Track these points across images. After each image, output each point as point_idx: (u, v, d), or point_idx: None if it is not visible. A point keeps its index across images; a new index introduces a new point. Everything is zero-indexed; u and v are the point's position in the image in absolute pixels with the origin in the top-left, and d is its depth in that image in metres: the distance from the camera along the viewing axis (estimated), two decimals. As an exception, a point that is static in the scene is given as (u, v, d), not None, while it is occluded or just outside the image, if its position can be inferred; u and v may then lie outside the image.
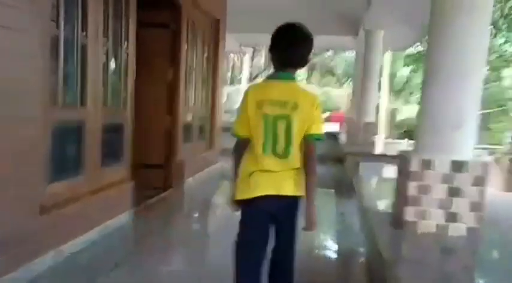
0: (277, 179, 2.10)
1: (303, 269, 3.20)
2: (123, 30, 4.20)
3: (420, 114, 3.22)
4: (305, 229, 2.13)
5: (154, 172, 5.71)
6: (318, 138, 2.11)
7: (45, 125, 3.02)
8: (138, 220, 4.48)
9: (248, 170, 2.13)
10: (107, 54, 3.93)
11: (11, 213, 2.71)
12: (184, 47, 5.81)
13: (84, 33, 3.50)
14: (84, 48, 3.52)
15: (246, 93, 2.18)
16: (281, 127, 2.07)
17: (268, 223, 2.16)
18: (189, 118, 6.48)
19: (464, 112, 2.98)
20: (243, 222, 2.20)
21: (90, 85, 3.61)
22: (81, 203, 3.53)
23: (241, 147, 2.21)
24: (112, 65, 4.12)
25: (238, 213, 2.22)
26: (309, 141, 2.11)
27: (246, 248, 2.17)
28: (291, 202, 2.13)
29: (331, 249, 4.10)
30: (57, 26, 3.19)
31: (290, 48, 2.11)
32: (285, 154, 2.09)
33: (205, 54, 6.98)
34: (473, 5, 2.94)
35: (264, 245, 2.17)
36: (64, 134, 3.49)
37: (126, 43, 4.28)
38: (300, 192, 2.13)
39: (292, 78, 2.17)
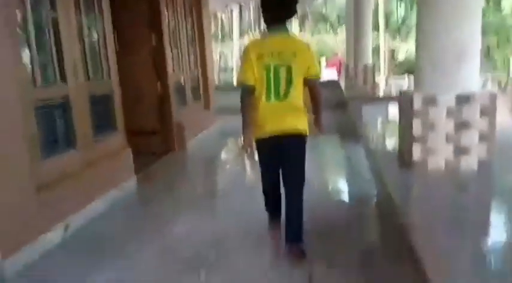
0: (282, 118, 2.49)
1: (316, 214, 3.19)
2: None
3: (418, 49, 3.01)
4: (317, 134, 2.64)
5: (152, 138, 5.65)
6: (317, 76, 2.53)
7: (27, 105, 2.93)
8: (143, 186, 4.42)
9: (256, 114, 2.52)
10: (80, 25, 3.70)
11: (7, 194, 2.66)
12: (164, 10, 5.56)
13: (53, 6, 3.29)
14: (55, 22, 3.32)
15: (247, 48, 2.50)
16: (282, 74, 2.43)
17: (276, 155, 2.57)
18: (180, 81, 6.30)
19: (465, 43, 2.77)
20: (259, 155, 2.70)
21: (68, 59, 3.44)
22: (80, 175, 3.47)
23: (249, 94, 2.50)
24: (88, 36, 3.90)
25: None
26: (311, 81, 2.51)
27: (266, 172, 2.73)
28: (294, 137, 2.51)
29: (342, 193, 4.03)
30: (23, 2, 2.99)
31: (280, 6, 2.45)
32: (285, 95, 2.46)
33: (189, 15, 6.69)
34: None
35: (276, 167, 2.62)
36: (50, 112, 3.37)
37: (100, 13, 4.04)
38: (302, 128, 2.52)
39: (286, 31, 2.53)
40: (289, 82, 2.44)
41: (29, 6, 3.04)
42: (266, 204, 2.94)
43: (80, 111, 3.60)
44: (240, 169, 5.37)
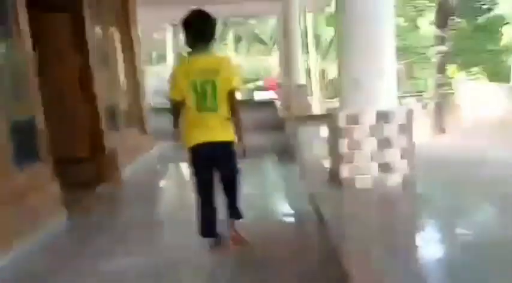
0: (210, 129, 2.85)
1: (256, 235, 3.19)
2: (9, 17, 3.73)
3: (340, 69, 3.17)
4: (240, 154, 2.94)
5: (83, 166, 5.33)
6: (237, 89, 2.88)
7: None
8: (74, 223, 4.14)
9: (188, 125, 2.92)
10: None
11: None
12: (90, 29, 5.37)
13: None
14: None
15: (174, 69, 3.10)
16: (208, 89, 2.80)
17: (209, 162, 2.92)
18: (111, 104, 6.10)
19: (383, 62, 2.96)
20: (193, 163, 2.98)
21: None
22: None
23: (176, 107, 2.95)
24: (5, 58, 3.67)
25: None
26: (231, 93, 2.84)
27: (198, 182, 2.98)
28: (223, 145, 2.88)
29: (277, 212, 4.08)
30: None
31: (199, 32, 2.85)
32: (214, 109, 2.83)
33: (118, 34, 6.54)
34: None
35: (210, 178, 2.96)
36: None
37: (17, 32, 3.81)
38: (229, 139, 2.89)
39: (208, 51, 2.90)
40: (214, 96, 2.80)
41: None
42: (202, 228, 3.03)
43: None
44: (178, 198, 5.25)
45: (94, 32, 5.59)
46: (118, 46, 6.54)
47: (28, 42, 3.95)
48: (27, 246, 3.42)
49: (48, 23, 4.94)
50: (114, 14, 6.41)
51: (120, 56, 6.56)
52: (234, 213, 3.04)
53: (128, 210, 4.76)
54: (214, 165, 2.94)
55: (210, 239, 3.04)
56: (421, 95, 14.52)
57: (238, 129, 2.91)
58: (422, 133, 9.95)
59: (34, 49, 4.07)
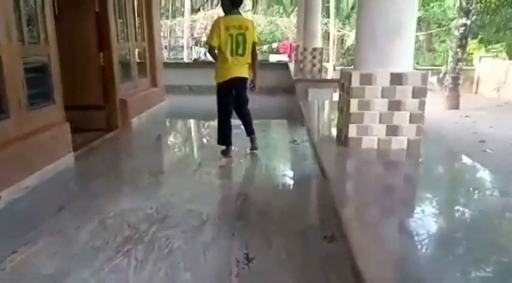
0: (239, 68, 4.21)
1: (263, 197, 3.31)
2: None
3: (358, 28, 3.10)
4: (252, 86, 4.40)
5: (95, 113, 5.43)
6: (256, 42, 4.30)
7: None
8: (81, 163, 4.28)
9: (222, 65, 4.19)
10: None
11: None
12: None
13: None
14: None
15: (218, 21, 4.15)
16: (240, 40, 4.11)
17: (232, 90, 4.31)
18: (125, 54, 6.10)
19: (401, 23, 2.89)
20: (221, 91, 4.29)
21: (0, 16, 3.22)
22: (12, 147, 3.31)
23: (213, 50, 4.19)
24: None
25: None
26: (253, 45, 4.24)
27: (224, 104, 4.31)
28: (245, 80, 4.30)
29: (286, 175, 4.16)
30: None
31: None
32: (242, 54, 4.18)
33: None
34: None
35: (231, 100, 4.34)
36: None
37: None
38: (248, 75, 4.31)
39: (240, 13, 4.26)
40: (244, 45, 4.14)
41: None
42: (221, 138, 4.41)
43: (12, 77, 3.39)
44: (184, 150, 5.34)
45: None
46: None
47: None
48: (37, 181, 3.56)
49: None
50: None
51: (137, 7, 6.48)
52: (251, 130, 4.50)
53: (134, 156, 4.88)
54: (236, 92, 4.30)
55: (224, 147, 4.41)
56: (439, 69, 14.16)
57: (255, 70, 4.33)
58: (436, 106, 9.82)
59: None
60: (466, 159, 3.14)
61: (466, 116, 9.36)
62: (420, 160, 3.08)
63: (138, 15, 6.56)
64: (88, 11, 5.18)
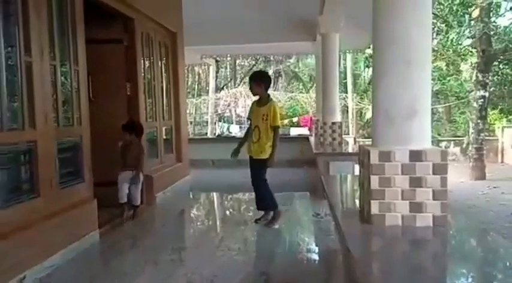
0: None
1: (285, 266, 3.23)
2: (71, 47, 4.09)
3: (374, 106, 3.23)
4: (270, 164, 4.62)
5: (120, 190, 5.54)
6: (278, 126, 4.66)
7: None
8: (106, 239, 4.32)
9: (273, 144, 4.62)
10: (54, 73, 3.80)
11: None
12: (140, 60, 5.74)
13: (28, 52, 3.38)
14: (29, 68, 3.40)
15: (253, 103, 4.84)
16: (262, 124, 4.62)
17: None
18: (153, 131, 6.38)
19: (417, 101, 3.00)
20: (265, 165, 4.67)
21: (38, 105, 3.50)
22: (40, 226, 3.40)
23: (250, 128, 4.80)
24: (62, 84, 3.99)
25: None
26: (274, 129, 4.61)
27: (265, 175, 4.74)
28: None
29: (310, 250, 4.10)
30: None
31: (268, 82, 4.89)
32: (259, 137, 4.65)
33: (164, 67, 6.92)
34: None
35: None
36: (14, 157, 3.38)
37: (75, 60, 4.16)
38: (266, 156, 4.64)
39: (270, 99, 4.76)
40: (265, 129, 4.60)
41: (2, 50, 3.11)
42: (273, 201, 4.72)
43: (46, 157, 3.58)
44: (207, 223, 5.35)
45: (143, 63, 5.96)
46: (164, 76, 6.90)
47: (83, 69, 4.29)
48: (62, 259, 3.60)
49: (103, 54, 5.36)
50: (163, 48, 6.81)
51: (164, 86, 6.90)
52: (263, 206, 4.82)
53: (158, 232, 4.91)
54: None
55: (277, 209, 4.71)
56: (462, 140, 14.14)
57: (274, 148, 4.60)
58: (462, 176, 9.65)
59: (89, 75, 4.42)
60: (496, 234, 3.05)
61: (495, 187, 9.13)
62: (448, 237, 3.01)
63: (166, 96, 6.95)
64: (119, 94, 5.55)
